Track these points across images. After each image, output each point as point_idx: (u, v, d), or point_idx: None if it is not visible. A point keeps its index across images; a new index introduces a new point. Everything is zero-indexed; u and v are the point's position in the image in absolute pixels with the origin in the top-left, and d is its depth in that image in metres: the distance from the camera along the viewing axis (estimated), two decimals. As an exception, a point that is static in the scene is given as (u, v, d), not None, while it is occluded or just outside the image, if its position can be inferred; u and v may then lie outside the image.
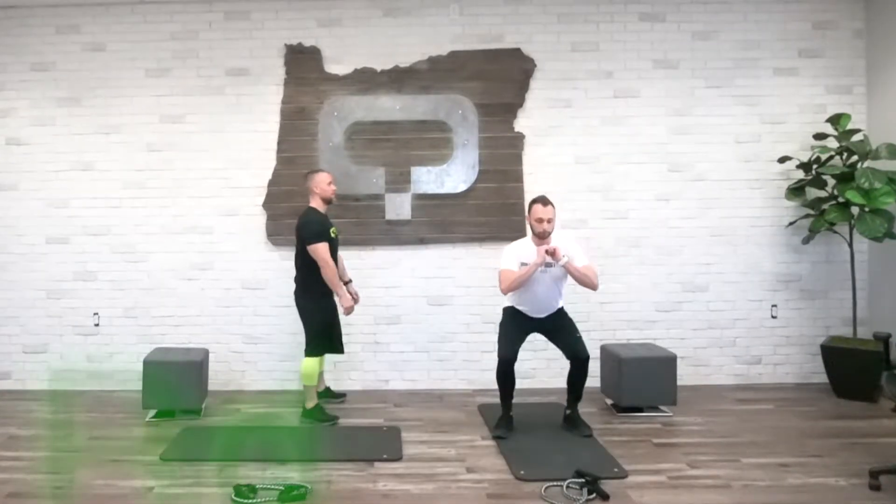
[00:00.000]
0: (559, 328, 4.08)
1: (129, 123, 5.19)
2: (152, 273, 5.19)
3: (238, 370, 5.18)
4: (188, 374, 4.39)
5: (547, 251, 3.83)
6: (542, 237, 3.95)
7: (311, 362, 4.28)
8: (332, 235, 4.36)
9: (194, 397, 4.41)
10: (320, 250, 4.21)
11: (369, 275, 5.16)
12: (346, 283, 4.54)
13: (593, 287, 3.98)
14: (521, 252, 4.01)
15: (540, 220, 3.93)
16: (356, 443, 3.88)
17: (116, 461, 3.64)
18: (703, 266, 5.20)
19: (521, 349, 4.07)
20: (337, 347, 4.43)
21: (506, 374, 4.00)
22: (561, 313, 4.12)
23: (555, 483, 3.27)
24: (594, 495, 3.13)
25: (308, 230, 4.27)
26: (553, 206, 3.97)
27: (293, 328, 4.98)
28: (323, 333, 4.32)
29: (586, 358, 3.97)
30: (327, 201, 4.42)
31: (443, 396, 4.96)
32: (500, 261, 4.05)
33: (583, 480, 3.22)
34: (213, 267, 5.19)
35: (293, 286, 4.47)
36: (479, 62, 5.14)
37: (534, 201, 4.01)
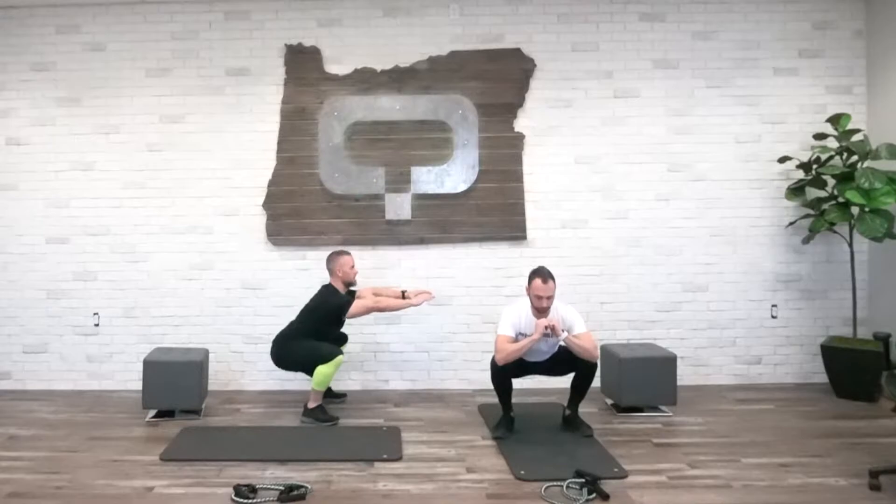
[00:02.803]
0: (559, 360, 4.03)
1: (129, 123, 5.19)
2: (152, 273, 5.19)
3: (238, 370, 5.18)
4: (188, 374, 4.39)
5: (546, 327, 3.79)
6: (541, 312, 3.89)
7: (325, 368, 4.28)
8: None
9: (194, 397, 4.40)
10: (354, 309, 4.37)
11: (369, 275, 5.14)
12: (403, 296, 4.61)
13: (592, 359, 3.91)
14: (519, 322, 3.93)
15: (539, 298, 3.84)
16: (356, 443, 3.88)
17: (116, 461, 3.64)
18: (703, 266, 5.20)
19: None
20: (340, 344, 4.55)
21: (502, 379, 3.98)
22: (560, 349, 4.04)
23: (555, 483, 3.27)
24: (594, 495, 3.13)
25: (327, 308, 4.40)
26: (554, 281, 3.87)
27: (293, 328, 5.00)
28: (319, 345, 4.34)
29: (595, 363, 3.96)
30: (348, 285, 4.52)
31: (443, 396, 4.96)
32: (498, 324, 3.96)
33: (583, 480, 3.22)
34: (214, 267, 5.19)
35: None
36: (479, 62, 5.13)
37: (534, 275, 3.89)
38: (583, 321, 3.97)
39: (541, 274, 3.88)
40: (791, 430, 4.09)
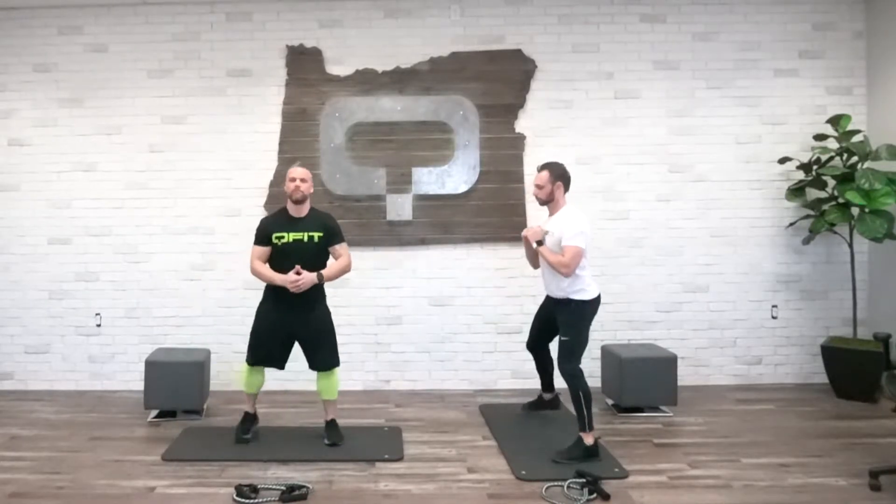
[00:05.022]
0: (559, 322, 3.87)
1: (130, 124, 5.20)
2: (154, 273, 5.21)
3: (240, 370, 5.17)
4: (190, 375, 4.40)
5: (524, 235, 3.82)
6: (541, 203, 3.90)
7: (243, 368, 4.03)
8: (275, 242, 3.89)
9: (196, 397, 4.41)
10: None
11: (370, 275, 5.17)
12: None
13: (560, 273, 3.66)
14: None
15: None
16: (357, 443, 3.89)
17: (118, 461, 3.66)
18: (703, 267, 5.21)
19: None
20: (267, 360, 3.98)
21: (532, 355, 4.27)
22: (566, 307, 3.78)
23: (556, 483, 3.28)
24: (595, 495, 3.14)
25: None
26: (548, 170, 3.81)
27: (294, 328, 5.00)
28: (252, 339, 4.02)
29: (561, 371, 3.71)
30: (290, 198, 3.88)
31: (444, 397, 4.97)
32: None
33: (583, 480, 3.23)
34: (215, 267, 5.20)
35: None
36: (480, 63, 5.15)
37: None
38: (572, 237, 3.61)
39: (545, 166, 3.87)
40: (791, 431, 4.10)
